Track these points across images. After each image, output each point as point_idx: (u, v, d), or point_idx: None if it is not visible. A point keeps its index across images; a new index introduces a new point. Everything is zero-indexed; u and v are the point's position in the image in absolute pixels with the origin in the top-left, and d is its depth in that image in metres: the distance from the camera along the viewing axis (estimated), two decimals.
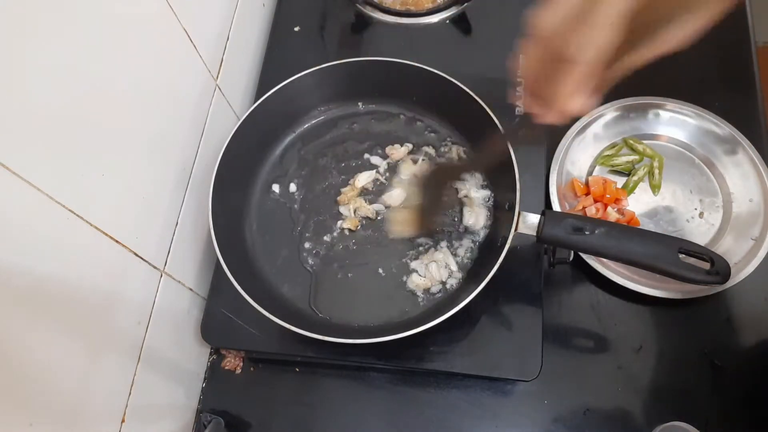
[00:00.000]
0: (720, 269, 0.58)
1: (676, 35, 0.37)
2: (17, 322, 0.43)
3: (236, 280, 0.63)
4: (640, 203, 0.82)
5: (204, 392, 0.76)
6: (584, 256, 0.75)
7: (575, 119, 0.84)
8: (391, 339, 0.61)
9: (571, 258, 0.66)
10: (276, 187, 0.78)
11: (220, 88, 0.77)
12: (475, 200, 0.75)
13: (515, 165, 0.67)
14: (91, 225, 0.51)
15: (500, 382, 0.74)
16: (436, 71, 0.74)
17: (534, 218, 0.63)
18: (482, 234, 0.74)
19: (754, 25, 0.95)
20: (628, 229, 0.61)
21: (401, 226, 0.73)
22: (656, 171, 0.83)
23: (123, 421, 0.58)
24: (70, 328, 0.50)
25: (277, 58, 0.90)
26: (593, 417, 0.72)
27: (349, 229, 0.75)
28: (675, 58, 1.00)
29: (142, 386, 0.61)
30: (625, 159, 0.84)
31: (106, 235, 0.53)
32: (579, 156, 0.84)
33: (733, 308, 0.77)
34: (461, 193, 0.76)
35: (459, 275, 0.72)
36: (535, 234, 0.62)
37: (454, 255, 0.73)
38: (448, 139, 0.80)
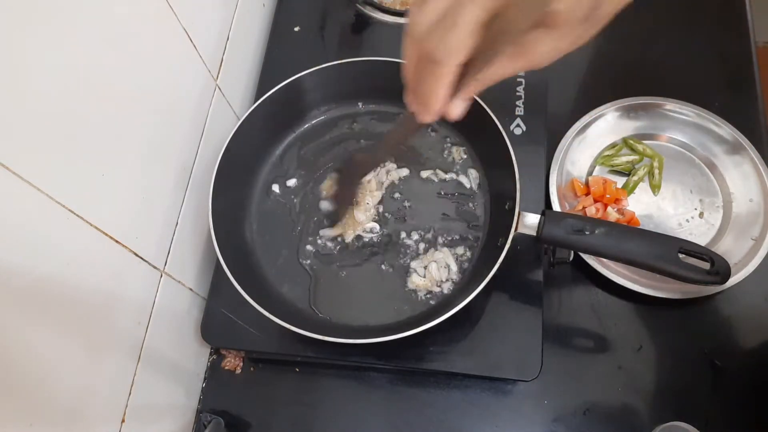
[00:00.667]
0: (720, 269, 0.58)
1: (538, 52, 0.38)
2: (17, 322, 0.43)
3: (236, 280, 0.63)
4: (640, 203, 0.82)
5: (204, 392, 0.76)
6: (584, 256, 0.75)
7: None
8: (391, 339, 0.61)
9: (571, 258, 0.66)
10: (276, 187, 0.78)
11: (220, 88, 0.77)
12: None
13: (515, 165, 0.67)
14: (91, 225, 0.51)
15: (500, 382, 0.74)
16: None
17: (534, 218, 0.63)
18: (482, 234, 0.74)
19: (754, 25, 0.95)
20: (628, 229, 0.61)
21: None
22: (656, 171, 0.83)
23: (123, 421, 0.58)
24: (70, 328, 0.50)
25: (277, 58, 0.90)
26: (593, 417, 0.72)
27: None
28: (675, 58, 1.01)
29: (142, 386, 0.61)
30: (625, 159, 0.84)
31: (106, 235, 0.53)
32: (579, 156, 0.84)
33: (733, 308, 0.77)
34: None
35: (459, 275, 0.72)
36: (535, 234, 0.62)
37: (454, 255, 0.73)
38: (448, 139, 0.80)
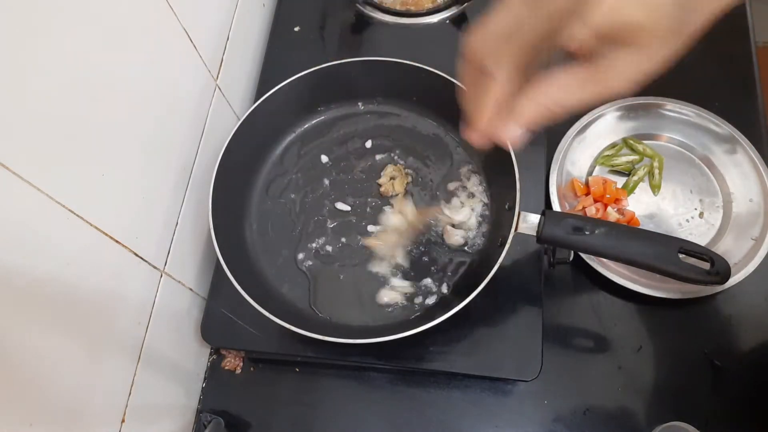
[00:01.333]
0: (720, 269, 0.58)
1: (615, 74, 0.32)
2: (17, 322, 0.43)
3: (236, 280, 0.63)
4: (640, 203, 0.82)
5: (204, 392, 0.76)
6: (584, 256, 0.75)
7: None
8: (391, 339, 0.61)
9: (571, 258, 0.66)
10: (276, 187, 0.78)
11: (220, 88, 0.77)
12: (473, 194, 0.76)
13: (515, 165, 0.67)
14: (91, 225, 0.51)
15: (500, 382, 0.74)
16: (436, 71, 0.74)
17: (534, 218, 0.63)
18: (479, 235, 0.74)
19: (754, 25, 0.95)
20: (628, 229, 0.61)
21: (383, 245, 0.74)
22: (656, 171, 0.83)
23: (123, 421, 0.58)
24: (70, 328, 0.50)
25: (277, 58, 0.90)
26: (593, 417, 0.72)
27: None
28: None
29: (142, 386, 0.61)
30: (625, 159, 0.84)
31: (106, 235, 0.53)
32: (579, 156, 0.84)
33: (733, 308, 0.77)
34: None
35: (459, 276, 0.72)
36: (535, 234, 0.62)
37: (454, 255, 0.73)
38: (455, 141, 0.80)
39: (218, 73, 0.76)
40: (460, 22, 0.92)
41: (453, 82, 0.73)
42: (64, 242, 0.48)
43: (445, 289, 0.71)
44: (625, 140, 0.85)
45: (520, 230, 0.63)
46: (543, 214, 0.62)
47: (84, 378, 0.52)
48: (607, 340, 0.76)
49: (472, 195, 0.76)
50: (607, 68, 0.32)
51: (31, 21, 0.43)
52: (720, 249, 0.77)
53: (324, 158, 0.80)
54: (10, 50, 0.41)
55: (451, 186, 0.77)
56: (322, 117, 0.83)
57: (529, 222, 0.63)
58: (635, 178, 0.83)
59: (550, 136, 0.81)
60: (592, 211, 0.80)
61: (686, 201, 0.82)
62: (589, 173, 0.84)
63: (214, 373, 0.77)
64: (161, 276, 0.64)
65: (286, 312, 0.69)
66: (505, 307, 0.71)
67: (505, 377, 0.69)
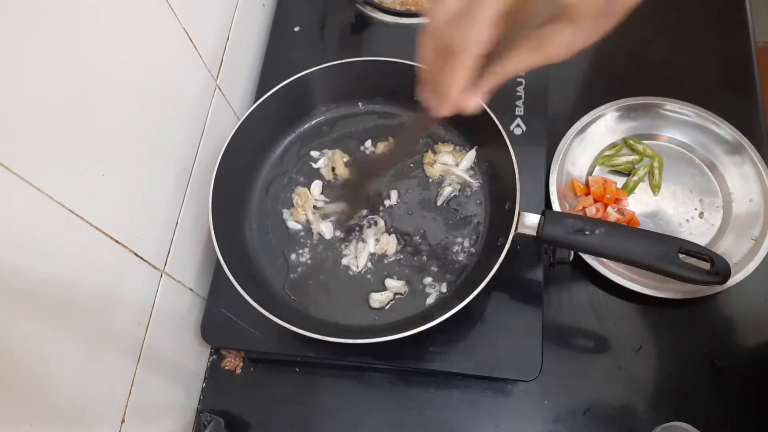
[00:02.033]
0: (720, 269, 0.58)
1: (555, 45, 0.38)
2: (17, 322, 0.43)
3: (236, 280, 0.63)
4: (640, 203, 0.82)
5: (204, 392, 0.76)
6: (584, 256, 0.75)
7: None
8: (391, 339, 0.61)
9: (571, 258, 0.66)
10: (276, 187, 0.78)
11: (220, 88, 0.77)
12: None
13: (515, 165, 0.67)
14: (91, 225, 0.51)
15: (500, 382, 0.74)
16: None
17: (534, 218, 0.63)
18: (482, 234, 0.74)
19: (754, 25, 0.95)
20: (628, 229, 0.61)
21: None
22: (656, 171, 0.83)
23: (123, 421, 0.58)
24: (70, 328, 0.50)
25: (277, 58, 0.90)
26: (593, 417, 0.72)
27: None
28: (675, 57, 1.01)
29: (142, 386, 0.61)
30: (625, 159, 0.84)
31: (106, 235, 0.53)
32: (579, 156, 0.84)
33: (733, 308, 0.77)
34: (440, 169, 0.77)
35: (459, 275, 0.72)
36: (535, 234, 0.62)
37: (454, 255, 0.73)
38: (448, 139, 0.80)
39: (218, 73, 0.76)
40: None
41: None
42: (64, 242, 0.48)
43: (445, 289, 0.71)
44: (625, 140, 0.85)
45: (520, 230, 0.63)
46: (543, 214, 0.62)
47: (84, 378, 0.52)
48: (607, 340, 0.76)
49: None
50: (550, 40, 0.38)
51: (31, 21, 0.43)
52: (720, 249, 0.77)
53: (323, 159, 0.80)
54: (10, 50, 0.41)
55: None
56: (322, 117, 0.83)
57: (529, 222, 0.63)
58: (635, 178, 0.83)
59: (550, 136, 0.81)
60: (592, 211, 0.80)
61: (686, 201, 0.82)
62: (589, 173, 0.84)
63: (214, 373, 0.77)
64: (161, 276, 0.64)
65: (286, 312, 0.69)
66: (505, 307, 0.71)
67: (505, 377, 0.69)
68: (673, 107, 0.85)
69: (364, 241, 0.74)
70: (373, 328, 0.69)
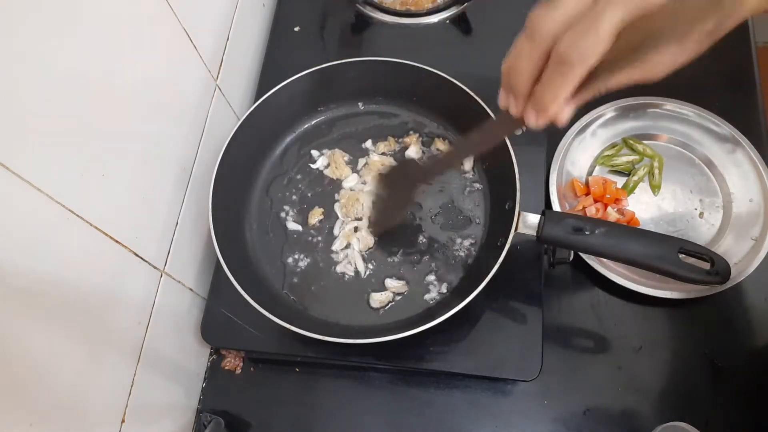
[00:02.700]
0: (720, 269, 0.58)
1: (657, 63, 0.37)
2: (17, 322, 0.43)
3: (236, 280, 0.63)
4: (640, 203, 0.82)
5: (204, 392, 0.76)
6: (584, 256, 0.75)
7: (570, 124, 0.84)
8: (391, 339, 0.61)
9: (571, 258, 0.66)
10: (276, 187, 0.78)
11: (220, 88, 0.77)
12: None
13: (515, 165, 0.67)
14: (91, 225, 0.51)
15: (500, 382, 0.74)
16: (436, 71, 0.74)
17: (534, 218, 0.63)
18: (482, 234, 0.74)
19: (754, 25, 0.95)
20: (628, 229, 0.61)
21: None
22: (656, 171, 0.83)
23: (123, 421, 0.58)
24: (70, 328, 0.50)
25: (277, 58, 0.90)
26: (593, 417, 0.72)
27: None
28: None
29: (142, 386, 0.61)
30: (625, 159, 0.84)
31: (106, 235, 0.53)
32: (579, 156, 0.84)
33: (733, 308, 0.77)
34: None
35: (459, 276, 0.72)
36: (535, 234, 0.62)
37: (454, 255, 0.73)
38: (448, 139, 0.80)
39: (218, 73, 0.76)
40: (460, 22, 0.92)
41: (453, 82, 0.73)
42: (65, 242, 0.48)
43: (445, 289, 0.71)
44: (625, 140, 0.85)
45: (520, 230, 0.63)
46: (543, 214, 0.62)
47: (84, 378, 0.52)
48: (607, 340, 0.76)
49: None
50: (653, 57, 0.37)
51: (31, 21, 0.43)
52: (720, 249, 0.77)
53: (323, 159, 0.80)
54: (10, 50, 0.41)
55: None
56: (322, 117, 0.83)
57: (529, 222, 0.63)
58: (635, 178, 0.83)
59: (550, 136, 0.81)
60: (592, 211, 0.80)
61: (686, 201, 0.82)
62: (589, 173, 0.84)
63: (214, 373, 0.77)
64: (161, 276, 0.64)
65: (286, 312, 0.69)
66: (505, 307, 0.71)
67: (505, 377, 0.69)
68: (673, 107, 0.85)
69: (350, 246, 0.74)
70: (373, 328, 0.69)
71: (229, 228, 0.72)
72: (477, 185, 0.77)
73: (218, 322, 0.71)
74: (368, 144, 0.80)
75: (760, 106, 0.88)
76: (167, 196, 0.66)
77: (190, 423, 0.74)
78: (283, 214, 0.77)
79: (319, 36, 0.92)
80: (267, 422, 0.74)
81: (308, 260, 0.74)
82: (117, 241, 0.55)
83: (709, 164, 0.84)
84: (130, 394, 0.59)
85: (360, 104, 0.83)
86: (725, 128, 0.82)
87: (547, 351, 0.68)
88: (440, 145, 0.79)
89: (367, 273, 0.73)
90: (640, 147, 0.84)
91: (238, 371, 0.77)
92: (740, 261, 0.75)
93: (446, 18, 0.92)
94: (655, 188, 0.83)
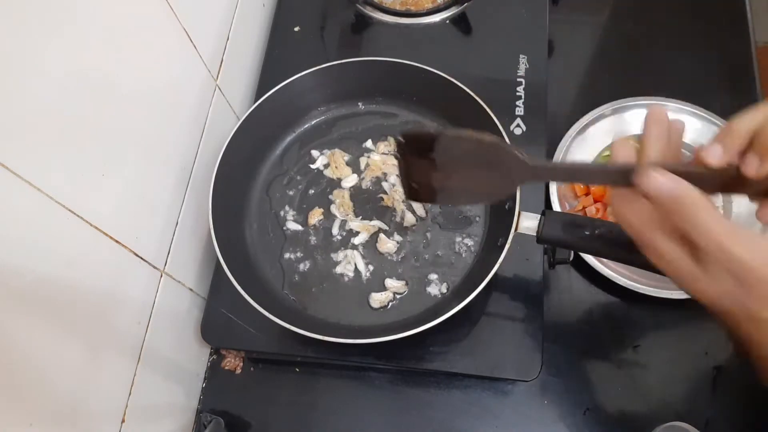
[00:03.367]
0: None
1: None
2: (17, 322, 0.43)
3: (236, 280, 0.63)
4: None
5: (204, 392, 0.76)
6: (584, 256, 0.75)
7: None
8: (391, 339, 0.61)
9: (571, 258, 0.66)
10: (276, 187, 0.78)
11: (220, 88, 0.77)
12: None
13: None
14: (91, 225, 0.51)
15: (500, 382, 0.74)
16: (436, 71, 0.74)
17: (534, 218, 0.63)
18: (482, 234, 0.74)
19: (754, 25, 0.95)
20: None
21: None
22: None
23: (123, 421, 0.58)
24: (70, 328, 0.50)
25: (277, 58, 0.90)
26: (593, 417, 0.72)
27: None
28: (676, 58, 1.01)
29: (142, 386, 0.61)
30: None
31: (106, 235, 0.53)
32: (579, 156, 0.84)
33: None
34: None
35: (459, 276, 0.72)
36: (535, 234, 0.62)
37: (454, 255, 0.73)
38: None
39: (218, 73, 0.76)
40: (460, 22, 0.92)
41: (453, 82, 0.73)
42: (64, 242, 0.48)
43: (445, 289, 0.71)
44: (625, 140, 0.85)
45: (520, 230, 0.63)
46: (543, 214, 0.62)
47: (84, 378, 0.52)
48: (607, 340, 0.76)
49: None
50: None
51: (31, 21, 0.43)
52: None
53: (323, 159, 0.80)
54: (10, 50, 0.41)
55: None
56: (322, 117, 0.83)
57: (529, 222, 0.63)
58: None
59: (550, 136, 0.81)
60: (592, 211, 0.80)
61: None
62: None
63: (214, 373, 0.77)
64: (161, 276, 0.64)
65: (286, 312, 0.69)
66: (505, 307, 0.71)
67: (505, 377, 0.69)
68: (673, 107, 0.85)
69: (353, 247, 0.74)
70: (373, 328, 0.69)
71: (229, 228, 0.72)
72: None
73: (218, 322, 0.71)
74: (368, 144, 0.80)
75: None
76: (167, 196, 0.66)
77: (190, 423, 0.74)
78: (282, 214, 0.77)
79: (319, 36, 0.92)
80: (267, 422, 0.74)
81: (308, 260, 0.74)
82: (117, 241, 0.55)
83: None
84: (130, 394, 0.59)
85: (360, 104, 0.83)
86: None
87: (547, 351, 0.68)
88: None
89: (367, 273, 0.73)
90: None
91: (238, 371, 0.77)
92: None
93: (446, 18, 0.92)
94: None
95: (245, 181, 0.78)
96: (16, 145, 0.41)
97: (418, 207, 0.76)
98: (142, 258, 0.60)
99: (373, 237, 0.74)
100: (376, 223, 0.75)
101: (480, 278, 0.61)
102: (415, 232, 0.74)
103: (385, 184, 0.77)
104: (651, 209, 0.40)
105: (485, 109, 0.71)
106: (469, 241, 0.73)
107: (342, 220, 0.75)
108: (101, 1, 0.50)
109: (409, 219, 0.74)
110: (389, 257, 0.73)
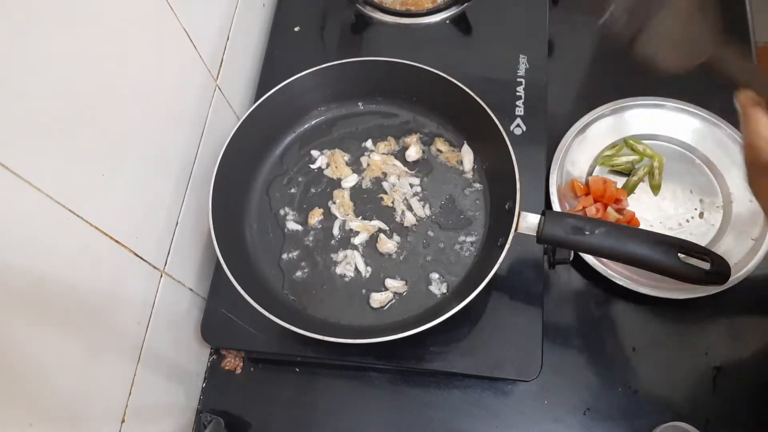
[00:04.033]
0: (720, 269, 0.58)
1: None
2: (17, 322, 0.43)
3: (236, 280, 0.63)
4: (640, 203, 0.82)
5: (204, 392, 0.76)
6: (584, 256, 0.75)
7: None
8: (391, 339, 0.61)
9: (571, 258, 0.66)
10: (276, 187, 0.78)
11: (220, 88, 0.77)
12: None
13: (515, 165, 0.67)
14: (91, 225, 0.51)
15: (500, 382, 0.74)
16: (436, 71, 0.74)
17: (534, 218, 0.63)
18: (482, 234, 0.74)
19: (754, 25, 0.95)
20: (628, 229, 0.61)
21: None
22: (656, 171, 0.83)
23: (123, 421, 0.58)
24: (70, 328, 0.50)
25: (277, 58, 0.90)
26: (593, 417, 0.72)
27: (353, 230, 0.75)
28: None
29: (142, 386, 0.61)
30: (625, 159, 0.84)
31: (106, 235, 0.53)
32: (579, 156, 0.84)
33: (733, 308, 0.77)
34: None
35: (459, 276, 0.72)
36: (535, 234, 0.62)
37: (454, 255, 0.73)
38: (448, 140, 0.80)
39: (218, 73, 0.76)
40: (460, 22, 0.92)
41: (453, 82, 0.73)
42: (64, 242, 0.48)
43: (445, 289, 0.71)
44: (625, 140, 0.85)
45: (520, 230, 0.63)
46: (543, 214, 0.62)
47: (84, 378, 0.52)
48: (607, 340, 0.76)
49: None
50: None
51: (31, 21, 0.43)
52: (720, 249, 0.77)
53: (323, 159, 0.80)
54: (10, 50, 0.41)
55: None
56: (322, 117, 0.83)
57: (529, 222, 0.63)
58: (635, 178, 0.83)
59: (550, 136, 0.81)
60: (592, 211, 0.80)
61: (686, 201, 0.82)
62: (589, 173, 0.84)
63: (214, 373, 0.77)
64: (161, 276, 0.64)
65: (286, 312, 0.69)
66: (505, 307, 0.71)
67: (505, 377, 0.69)
68: (673, 107, 0.85)
69: (353, 247, 0.74)
70: (373, 328, 0.69)
71: (229, 228, 0.72)
72: (477, 185, 0.77)
73: (218, 322, 0.71)
74: (368, 144, 0.80)
75: None
76: (167, 196, 0.66)
77: (190, 423, 0.74)
78: (282, 214, 0.77)
79: (319, 36, 0.92)
80: (267, 422, 0.74)
81: (308, 260, 0.74)
82: (117, 241, 0.55)
83: (709, 164, 0.84)
84: (130, 394, 0.59)
85: (360, 104, 0.83)
86: (725, 128, 0.82)
87: (547, 351, 0.68)
88: (440, 145, 0.79)
89: (367, 273, 0.73)
90: (640, 147, 0.84)
91: (238, 371, 0.77)
92: (740, 261, 0.75)
93: (446, 18, 0.92)
94: (655, 188, 0.83)
95: (245, 181, 0.78)
96: (15, 145, 0.41)
97: (418, 207, 0.76)
98: (142, 258, 0.60)
99: (373, 237, 0.74)
100: (376, 223, 0.75)
101: (480, 278, 0.61)
102: (415, 232, 0.74)
103: (385, 184, 0.77)
104: None
105: (485, 109, 0.71)
106: (469, 242, 0.73)
107: (342, 220, 0.75)
108: (101, 1, 0.50)
109: (409, 219, 0.74)
110: (389, 257, 0.73)
